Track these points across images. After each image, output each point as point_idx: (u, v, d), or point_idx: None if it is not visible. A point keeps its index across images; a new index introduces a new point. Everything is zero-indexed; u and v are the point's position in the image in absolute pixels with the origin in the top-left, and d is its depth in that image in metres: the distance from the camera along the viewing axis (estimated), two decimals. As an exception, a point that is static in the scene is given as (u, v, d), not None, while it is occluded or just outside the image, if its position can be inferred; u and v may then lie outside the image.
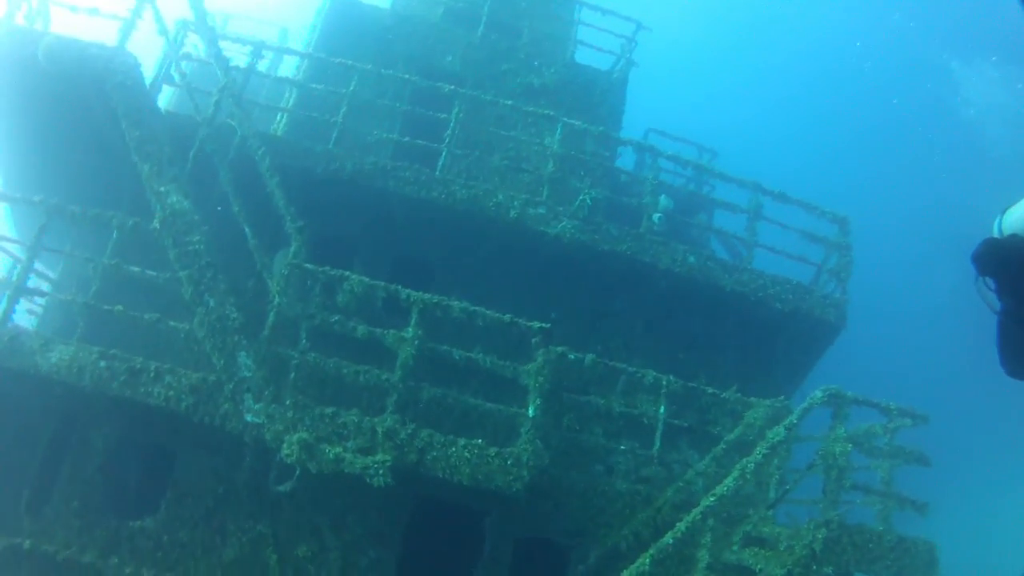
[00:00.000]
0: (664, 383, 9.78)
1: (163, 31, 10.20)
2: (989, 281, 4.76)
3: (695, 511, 8.30)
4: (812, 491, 9.32)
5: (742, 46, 48.92)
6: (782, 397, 10.06)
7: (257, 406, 8.43)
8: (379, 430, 8.38)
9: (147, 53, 11.29)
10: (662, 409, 9.70)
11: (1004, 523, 36.24)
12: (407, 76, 11.79)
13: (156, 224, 8.95)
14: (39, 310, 12.65)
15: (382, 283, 9.00)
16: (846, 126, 48.13)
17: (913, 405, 9.11)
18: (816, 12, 47.46)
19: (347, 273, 9.06)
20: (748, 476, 8.40)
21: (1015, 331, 4.60)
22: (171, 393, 8.47)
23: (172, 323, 8.78)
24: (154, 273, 8.89)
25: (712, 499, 8.28)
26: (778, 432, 8.55)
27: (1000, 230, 4.81)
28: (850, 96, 48.00)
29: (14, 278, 9.20)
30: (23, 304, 11.23)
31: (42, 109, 10.31)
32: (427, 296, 8.82)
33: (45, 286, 12.25)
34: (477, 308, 8.93)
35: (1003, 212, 4.84)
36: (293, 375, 8.64)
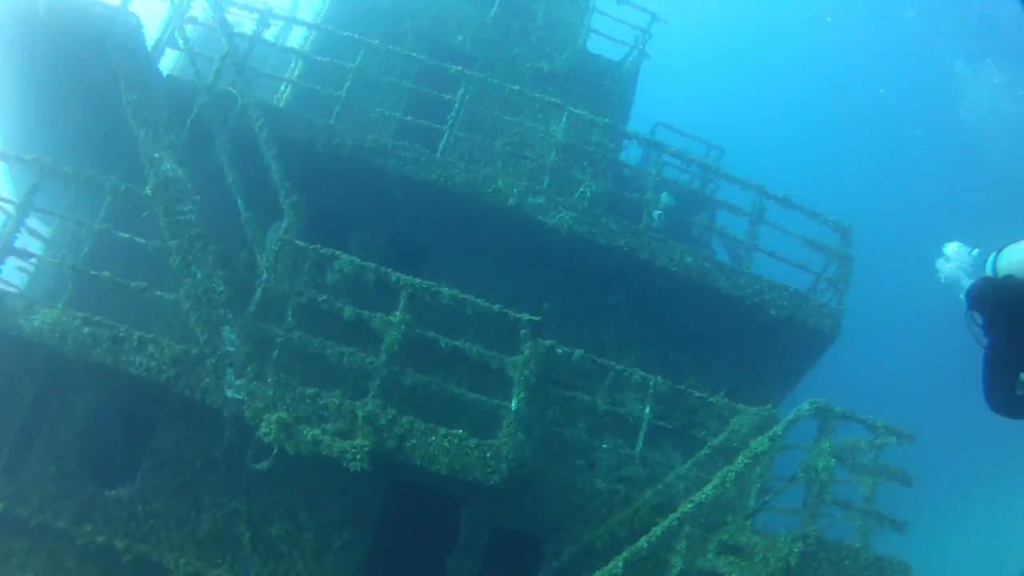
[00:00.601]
0: (651, 383, 9.69)
1: (168, -6, 10.04)
2: (977, 316, 4.72)
3: (672, 516, 8.24)
4: (793, 500, 9.27)
5: (754, 42, 48.36)
6: (769, 405, 9.97)
7: (238, 382, 8.35)
8: (359, 414, 8.30)
9: (154, 15, 11.15)
10: (647, 409, 9.60)
11: (992, 538, 36.30)
12: (415, 54, 11.61)
13: (148, 191, 8.85)
14: (31, 268, 12.56)
15: (372, 265, 8.90)
16: (850, 128, 47.66)
17: (903, 415, 9.05)
18: (830, 9, 46.80)
19: (338, 252, 8.95)
20: (728, 484, 8.33)
21: (1000, 366, 4.55)
22: (153, 363, 8.40)
23: (158, 292, 8.69)
24: (143, 240, 8.78)
25: (690, 505, 8.21)
26: (761, 442, 8.47)
27: (995, 267, 4.77)
28: (856, 97, 47.50)
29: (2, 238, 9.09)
30: (15, 261, 11.14)
31: (42, 66, 10.18)
32: (416, 280, 8.71)
33: (38, 244, 12.16)
34: (467, 296, 8.82)
35: (999, 250, 4.80)
36: (277, 353, 8.56)
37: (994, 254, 4.85)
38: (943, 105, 41.02)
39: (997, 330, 4.55)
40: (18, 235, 9.30)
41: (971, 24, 39.15)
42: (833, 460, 8.39)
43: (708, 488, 8.29)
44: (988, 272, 4.84)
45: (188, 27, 10.66)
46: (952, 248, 6.03)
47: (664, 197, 12.13)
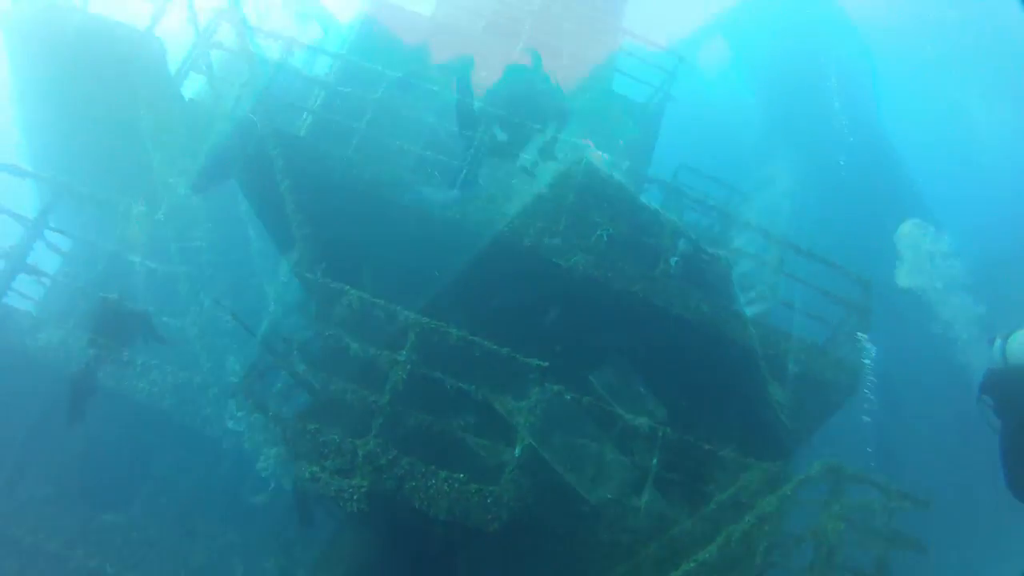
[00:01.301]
0: (660, 434, 9.48)
1: (193, 19, 10.10)
2: (988, 400, 4.60)
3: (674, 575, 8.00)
4: (802, 557, 8.95)
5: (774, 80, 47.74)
6: (779, 462, 9.70)
7: (239, 413, 8.26)
8: (360, 453, 8.17)
9: (185, 39, 11.21)
10: (655, 460, 9.38)
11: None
12: (437, 88, 11.58)
13: (161, 216, 8.84)
14: (48, 282, 12.58)
15: (381, 301, 8.80)
16: (862, 166, 46.96)
17: (918, 462, 8.71)
18: (852, 49, 46.28)
19: (346, 287, 8.87)
20: (733, 544, 8.09)
21: (1016, 451, 4.39)
22: (155, 390, 8.35)
23: (164, 318, 8.64)
24: (154, 265, 8.75)
25: (692, 564, 7.98)
26: (770, 502, 8.23)
27: (1004, 353, 4.65)
28: (871, 136, 46.85)
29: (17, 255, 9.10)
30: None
31: (71, 84, 10.27)
32: (424, 320, 8.61)
33: (56, 259, 12.19)
34: (475, 338, 8.71)
35: (1006, 336, 4.69)
36: (280, 386, 8.47)
37: (1000, 341, 4.74)
38: (957, 145, 40.30)
39: (1009, 416, 4.42)
40: (32, 251, 9.36)
41: (987, 61, 38.46)
42: (843, 524, 8.12)
43: (712, 547, 8.06)
44: (997, 358, 4.73)
45: (213, 52, 10.70)
46: (907, 226, 5.93)
47: (682, 243, 11.93)
